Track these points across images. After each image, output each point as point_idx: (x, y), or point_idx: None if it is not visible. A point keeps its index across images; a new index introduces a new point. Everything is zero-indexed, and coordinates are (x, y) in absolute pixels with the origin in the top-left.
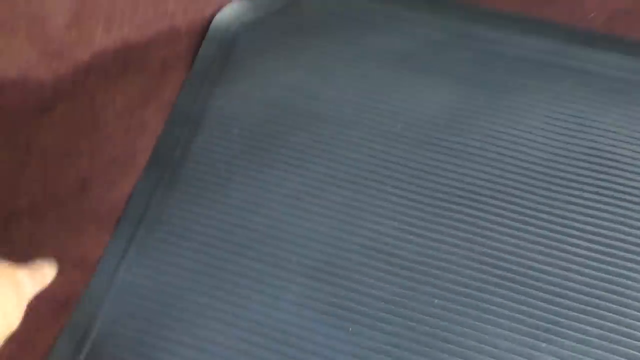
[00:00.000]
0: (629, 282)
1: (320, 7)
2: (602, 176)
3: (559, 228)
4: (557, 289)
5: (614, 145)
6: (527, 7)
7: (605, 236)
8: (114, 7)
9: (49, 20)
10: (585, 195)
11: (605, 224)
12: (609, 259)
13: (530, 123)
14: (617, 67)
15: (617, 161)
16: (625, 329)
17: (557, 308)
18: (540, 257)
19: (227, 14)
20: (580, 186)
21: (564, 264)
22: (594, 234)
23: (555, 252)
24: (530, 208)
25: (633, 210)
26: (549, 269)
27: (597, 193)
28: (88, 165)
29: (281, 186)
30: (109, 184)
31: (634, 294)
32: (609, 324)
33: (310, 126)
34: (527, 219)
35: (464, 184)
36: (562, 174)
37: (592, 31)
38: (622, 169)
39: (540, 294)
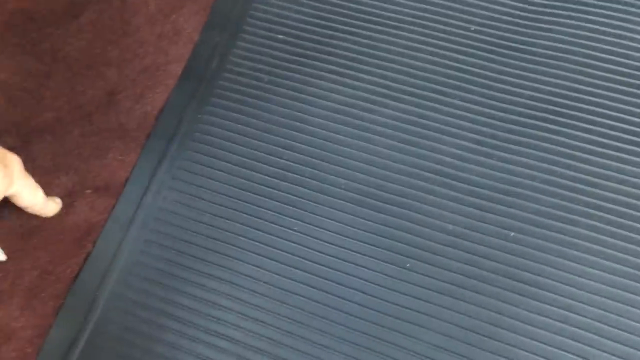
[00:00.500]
0: None
1: None
2: None
3: None
4: None
5: None
6: None
7: None
8: None
9: None
10: None
11: None
12: None
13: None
14: None
15: None
16: None
17: None
18: None
19: None
20: None
21: None
22: None
23: None
24: (631, 123)
25: None
26: None
27: None
28: (116, 76)
29: (330, 99)
30: (138, 96)
31: None
32: None
33: (365, 29)
34: (626, 135)
35: (547, 94)
36: None
37: None
38: None
39: None
